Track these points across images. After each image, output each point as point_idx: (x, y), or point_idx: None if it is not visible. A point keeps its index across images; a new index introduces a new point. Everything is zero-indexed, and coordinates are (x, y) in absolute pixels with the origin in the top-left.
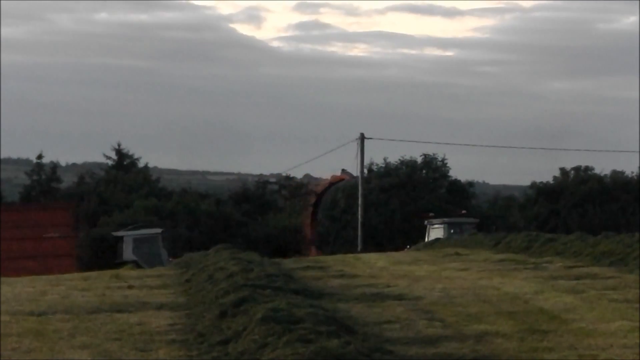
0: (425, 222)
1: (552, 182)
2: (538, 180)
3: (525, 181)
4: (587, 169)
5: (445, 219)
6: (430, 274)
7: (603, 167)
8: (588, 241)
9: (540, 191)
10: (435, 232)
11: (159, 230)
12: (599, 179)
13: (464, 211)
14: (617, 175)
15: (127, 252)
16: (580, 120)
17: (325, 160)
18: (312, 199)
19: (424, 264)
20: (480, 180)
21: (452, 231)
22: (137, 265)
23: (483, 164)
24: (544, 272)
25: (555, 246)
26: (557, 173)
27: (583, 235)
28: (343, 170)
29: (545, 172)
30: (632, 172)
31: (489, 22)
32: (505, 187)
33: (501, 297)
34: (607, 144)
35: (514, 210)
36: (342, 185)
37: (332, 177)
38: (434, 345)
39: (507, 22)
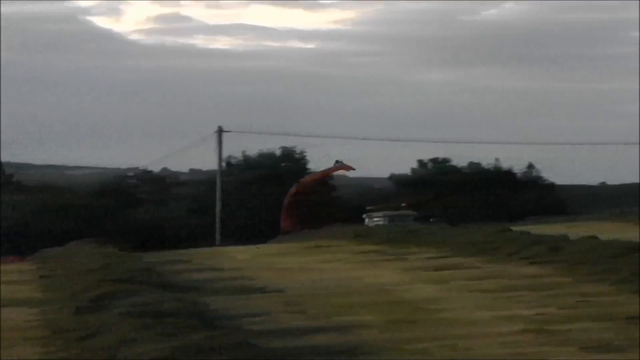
0: (364, 214)
1: (410, 174)
2: (397, 172)
3: (384, 173)
4: (445, 160)
5: (386, 212)
6: (293, 266)
7: (461, 158)
8: (450, 232)
9: (400, 183)
10: (374, 224)
11: None
12: (457, 170)
13: (404, 204)
14: (474, 167)
15: None
16: (442, 111)
17: (185, 154)
18: (295, 190)
19: (287, 256)
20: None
21: (392, 223)
22: None
23: (343, 156)
24: (407, 262)
25: (417, 237)
26: (416, 164)
27: (445, 226)
28: (338, 162)
29: (403, 164)
30: (489, 164)
31: (350, 13)
32: (365, 179)
33: (365, 288)
34: (466, 135)
35: (374, 202)
36: (202, 179)
37: (326, 170)
38: (298, 337)
39: (369, 14)
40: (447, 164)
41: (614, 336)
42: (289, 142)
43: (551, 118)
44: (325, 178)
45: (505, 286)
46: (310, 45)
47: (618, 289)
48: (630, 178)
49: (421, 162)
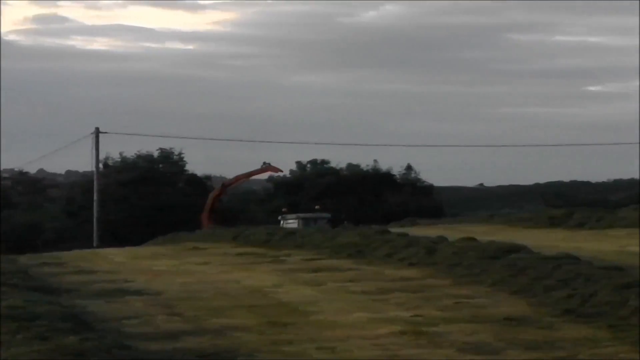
0: (280, 216)
1: (289, 175)
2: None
3: (263, 174)
4: (323, 162)
5: (300, 214)
6: (170, 268)
7: (339, 160)
8: (327, 234)
9: (278, 184)
10: (290, 227)
11: None
12: (336, 172)
13: (317, 206)
14: (353, 168)
15: None
16: (321, 114)
17: (61, 155)
18: (217, 191)
19: (164, 258)
20: (218, 174)
21: (306, 226)
22: None
23: (223, 157)
24: (284, 265)
25: (294, 239)
26: (293, 167)
27: (325, 228)
28: (265, 164)
29: (281, 165)
30: (367, 165)
31: (231, 15)
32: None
33: (241, 290)
34: (343, 138)
35: (253, 203)
36: (79, 181)
37: (252, 171)
38: (174, 340)
39: (249, 16)
40: (325, 166)
41: (490, 338)
42: (167, 144)
43: (430, 121)
44: (250, 179)
45: (382, 288)
46: (190, 47)
47: (495, 291)
48: (507, 180)
49: (300, 164)
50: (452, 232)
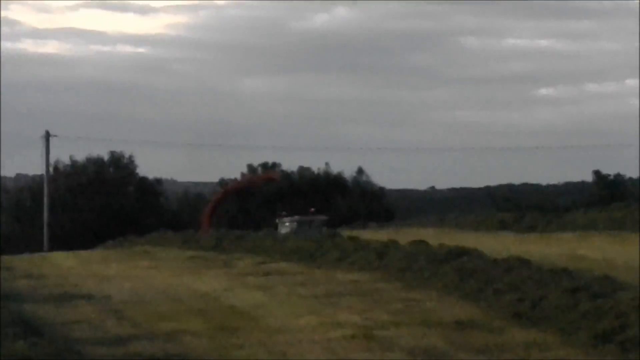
0: (277, 219)
1: (239, 179)
2: (226, 177)
3: (214, 178)
4: (274, 165)
5: (296, 217)
6: (119, 273)
7: (290, 164)
8: (277, 238)
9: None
10: (286, 229)
11: None
12: (287, 175)
13: (312, 209)
14: (304, 172)
15: None
16: (272, 118)
17: (11, 159)
18: (218, 196)
19: (114, 262)
20: (169, 178)
21: (300, 229)
22: None
23: (173, 162)
24: (234, 269)
25: (244, 243)
26: (245, 170)
27: (272, 232)
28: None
29: (232, 169)
30: (319, 169)
31: (182, 19)
32: (194, 184)
33: (191, 295)
34: (294, 142)
35: (204, 207)
36: (28, 185)
37: (252, 177)
38: (124, 345)
39: (201, 20)
40: (277, 169)
41: (440, 342)
42: (117, 148)
43: (380, 125)
44: (250, 185)
45: (332, 292)
46: (141, 50)
47: (445, 294)
48: (458, 183)
49: (251, 167)
50: (403, 235)
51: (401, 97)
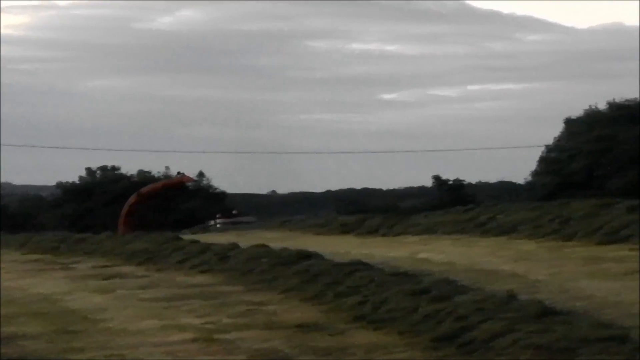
0: (212, 220)
1: (78, 181)
2: (64, 179)
3: (52, 181)
4: (114, 168)
5: (224, 219)
6: None
7: (130, 167)
8: (118, 240)
9: (68, 191)
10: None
11: None
12: (127, 178)
13: (235, 211)
14: (143, 175)
15: None
16: (113, 119)
17: None
18: (134, 199)
19: None
20: (4, 180)
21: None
22: None
23: (7, 164)
24: (74, 272)
25: (84, 246)
26: (84, 172)
27: (113, 235)
28: (179, 173)
29: (71, 171)
30: (159, 172)
31: (24, 19)
32: (32, 187)
33: (29, 297)
34: (135, 144)
35: (43, 210)
36: None
37: (167, 181)
38: None
39: (44, 20)
40: (116, 172)
41: (283, 344)
42: None
43: (223, 127)
44: (165, 188)
45: (174, 295)
46: None
47: (287, 297)
48: (298, 187)
49: (90, 170)
50: (245, 238)
51: (246, 98)
